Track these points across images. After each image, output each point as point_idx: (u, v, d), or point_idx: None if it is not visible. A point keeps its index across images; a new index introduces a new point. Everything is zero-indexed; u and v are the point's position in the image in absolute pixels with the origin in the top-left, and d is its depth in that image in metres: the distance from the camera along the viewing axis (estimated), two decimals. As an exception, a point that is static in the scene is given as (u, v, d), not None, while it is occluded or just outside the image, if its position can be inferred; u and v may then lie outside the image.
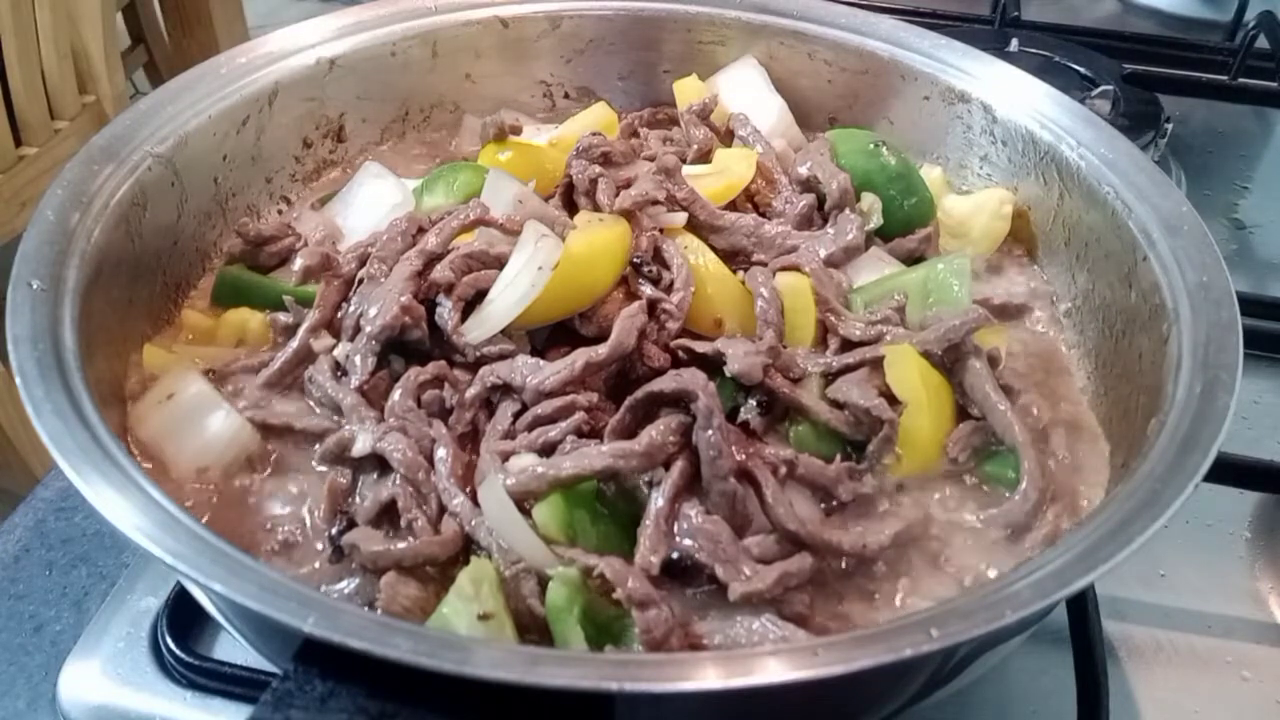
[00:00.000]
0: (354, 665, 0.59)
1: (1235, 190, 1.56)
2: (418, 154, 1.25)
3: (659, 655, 0.70)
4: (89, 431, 0.72)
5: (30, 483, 1.10)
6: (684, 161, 1.12)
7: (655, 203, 0.97)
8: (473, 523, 0.79)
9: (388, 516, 0.82)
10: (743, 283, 0.96)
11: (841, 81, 1.23)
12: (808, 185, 1.08)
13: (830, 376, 0.91)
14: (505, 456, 0.82)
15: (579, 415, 0.84)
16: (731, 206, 1.05)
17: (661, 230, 0.97)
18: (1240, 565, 1.02)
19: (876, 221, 1.06)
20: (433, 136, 1.27)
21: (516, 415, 0.86)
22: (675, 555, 0.77)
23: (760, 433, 0.87)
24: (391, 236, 0.95)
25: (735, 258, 1.01)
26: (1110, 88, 1.48)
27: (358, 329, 0.90)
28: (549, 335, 0.93)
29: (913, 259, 1.06)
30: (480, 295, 0.91)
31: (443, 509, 0.81)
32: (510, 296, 0.88)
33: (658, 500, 0.78)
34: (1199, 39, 1.81)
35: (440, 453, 0.84)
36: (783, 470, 0.83)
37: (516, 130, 1.12)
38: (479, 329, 0.89)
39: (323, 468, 0.86)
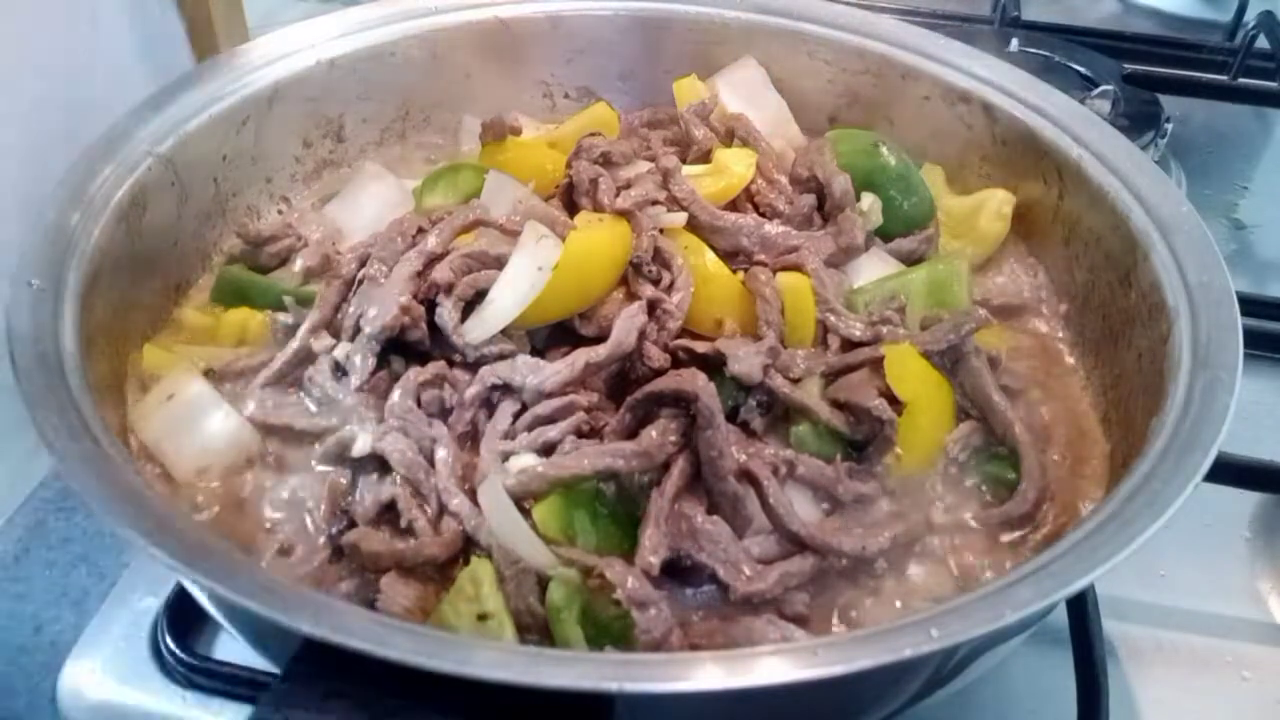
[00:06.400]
0: (354, 665, 0.59)
1: (1235, 190, 1.56)
2: (418, 154, 1.25)
3: (659, 655, 0.70)
4: (89, 431, 0.72)
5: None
6: (684, 161, 1.12)
7: (655, 203, 0.97)
8: (473, 523, 0.79)
9: (388, 516, 0.82)
10: (743, 283, 0.96)
11: (841, 81, 1.23)
12: (808, 185, 1.08)
13: (830, 377, 0.91)
14: (505, 456, 0.82)
15: (579, 415, 0.84)
16: (731, 206, 1.05)
17: (661, 230, 0.97)
18: (1240, 565, 1.02)
19: (876, 221, 1.06)
20: (433, 137, 1.27)
21: (516, 415, 0.86)
22: (675, 555, 0.77)
23: (760, 433, 0.87)
24: (391, 236, 0.95)
25: (735, 258, 1.01)
26: (1110, 88, 1.48)
27: (358, 329, 0.90)
28: (549, 335, 0.93)
29: (913, 259, 1.06)
30: (480, 295, 0.91)
31: (443, 509, 0.81)
32: (510, 297, 0.88)
33: (658, 500, 0.78)
34: (1199, 39, 1.81)
35: (440, 453, 0.84)
36: (783, 470, 0.83)
37: (516, 130, 1.12)
38: (479, 329, 0.89)
39: (323, 468, 0.86)
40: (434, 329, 0.90)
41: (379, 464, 0.84)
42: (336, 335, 0.93)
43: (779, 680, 0.60)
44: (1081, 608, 0.90)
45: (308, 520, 0.83)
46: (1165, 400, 0.80)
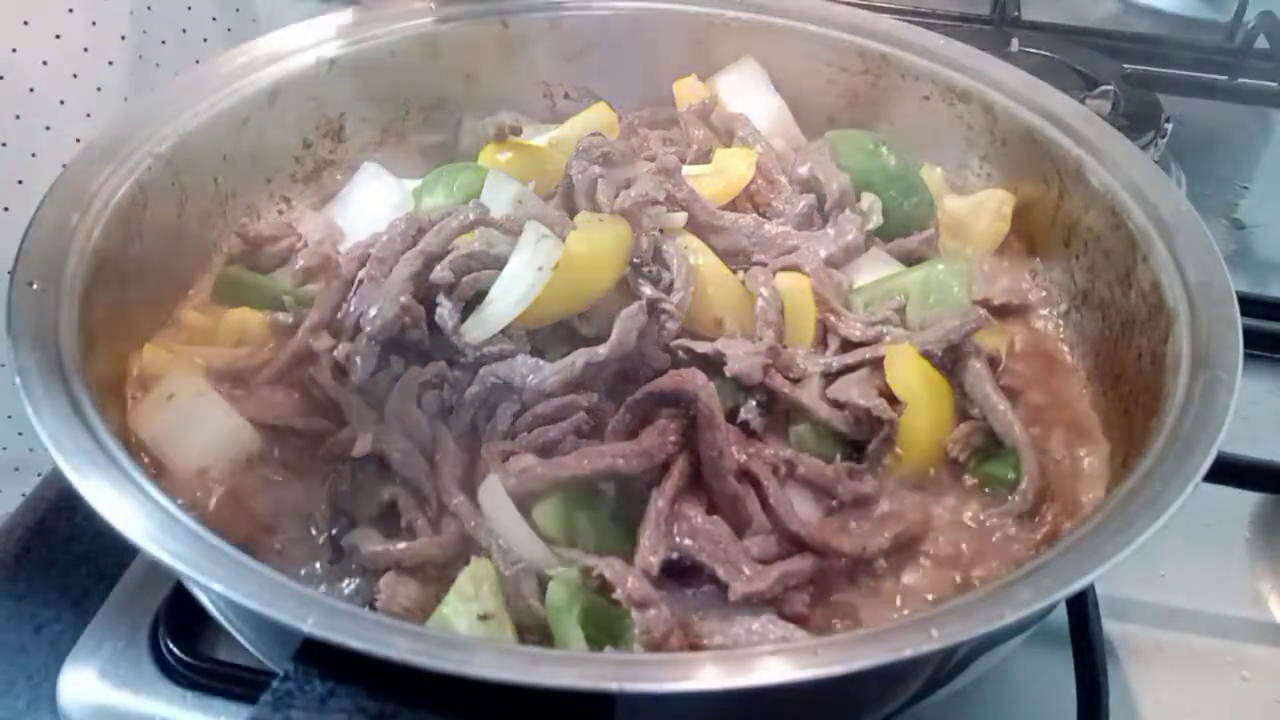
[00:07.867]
0: (354, 665, 0.59)
1: (1235, 190, 1.56)
2: (418, 154, 1.24)
3: (659, 655, 0.70)
4: (89, 431, 0.72)
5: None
6: (684, 161, 1.12)
7: (655, 203, 0.97)
8: (473, 523, 0.79)
9: (388, 516, 0.82)
10: (743, 283, 0.96)
11: (841, 81, 1.23)
12: (808, 185, 1.08)
13: (830, 376, 0.91)
14: (505, 456, 0.82)
15: (579, 415, 0.84)
16: (731, 206, 1.05)
17: (661, 230, 0.97)
18: (1240, 565, 1.02)
19: (876, 221, 1.06)
20: (433, 137, 1.26)
21: (516, 415, 0.86)
22: (675, 555, 0.77)
23: (760, 433, 0.87)
24: (391, 237, 0.95)
25: (735, 258, 1.01)
26: (1110, 88, 1.48)
27: (358, 329, 0.90)
28: (549, 335, 0.93)
29: (913, 259, 1.06)
30: (480, 295, 0.91)
31: (443, 509, 0.81)
32: (510, 296, 0.88)
33: (658, 500, 0.78)
34: (1199, 39, 1.80)
35: (440, 453, 0.84)
36: (783, 470, 0.83)
37: (516, 130, 1.12)
38: (479, 329, 0.89)
39: (323, 468, 0.86)
40: (434, 329, 0.90)
41: (379, 464, 0.84)
42: (336, 335, 0.93)
43: (779, 680, 0.60)
44: (1081, 608, 0.90)
45: (308, 520, 0.83)
46: (1165, 400, 0.80)
